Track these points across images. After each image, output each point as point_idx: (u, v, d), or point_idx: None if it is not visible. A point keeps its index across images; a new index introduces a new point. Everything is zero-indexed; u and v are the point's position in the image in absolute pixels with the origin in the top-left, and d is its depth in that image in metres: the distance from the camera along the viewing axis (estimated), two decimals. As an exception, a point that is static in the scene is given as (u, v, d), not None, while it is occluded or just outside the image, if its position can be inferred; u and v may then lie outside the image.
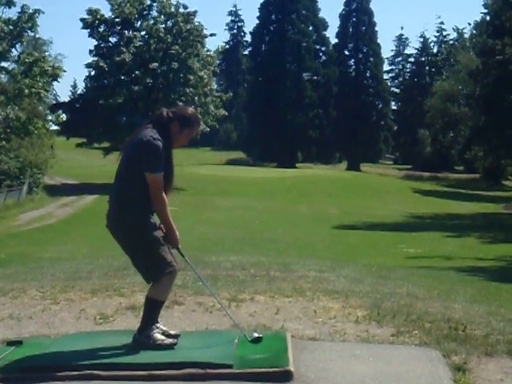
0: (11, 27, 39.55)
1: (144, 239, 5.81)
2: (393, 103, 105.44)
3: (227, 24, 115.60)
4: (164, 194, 5.87)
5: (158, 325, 5.85)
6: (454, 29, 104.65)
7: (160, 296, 5.87)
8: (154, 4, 59.04)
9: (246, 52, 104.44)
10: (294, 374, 5.11)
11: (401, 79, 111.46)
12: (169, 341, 5.76)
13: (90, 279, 9.99)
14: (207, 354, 5.41)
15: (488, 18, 65.66)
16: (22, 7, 39.99)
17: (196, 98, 56.91)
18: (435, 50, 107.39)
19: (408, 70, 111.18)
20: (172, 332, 5.94)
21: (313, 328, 6.69)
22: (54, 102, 71.86)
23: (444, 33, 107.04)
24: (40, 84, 40.16)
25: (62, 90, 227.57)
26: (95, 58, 58.26)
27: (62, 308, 7.78)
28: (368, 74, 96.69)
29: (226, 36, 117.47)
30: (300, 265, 12.25)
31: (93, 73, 59.34)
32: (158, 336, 5.76)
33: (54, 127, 57.58)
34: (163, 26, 58.90)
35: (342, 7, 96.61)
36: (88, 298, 8.33)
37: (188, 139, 6.06)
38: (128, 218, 5.79)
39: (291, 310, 7.59)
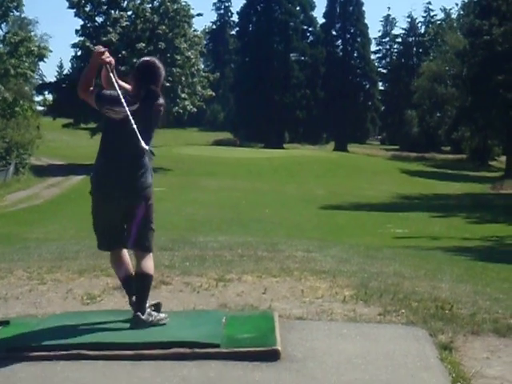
0: (-4, 7, 39.32)
1: (152, 205, 5.95)
2: (380, 84, 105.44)
3: (214, 4, 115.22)
4: None
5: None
6: (441, 9, 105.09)
7: (153, 269, 5.93)
8: (141, -16, 58.75)
9: (233, 32, 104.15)
10: (281, 353, 5.11)
11: (388, 60, 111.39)
12: (163, 316, 5.80)
13: (77, 259, 9.96)
14: (195, 333, 5.41)
15: (475, -2, 65.64)
16: (7, -13, 39.70)
17: (183, 78, 56.73)
18: (422, 31, 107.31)
19: (395, 50, 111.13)
20: (153, 302, 5.96)
21: (300, 307, 6.70)
22: (41, 83, 71.56)
23: (431, 13, 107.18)
24: (26, 64, 39.87)
25: (48, 70, 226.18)
26: (81, 38, 57.95)
27: (49, 288, 7.76)
28: (355, 55, 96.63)
29: (213, 16, 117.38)
30: (287, 245, 12.26)
31: (79, 53, 59.06)
32: (155, 313, 5.77)
33: (40, 108, 57.35)
34: (150, 5, 58.63)
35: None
36: (75, 278, 8.32)
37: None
38: (146, 183, 5.83)
39: (278, 289, 7.60)
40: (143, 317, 5.65)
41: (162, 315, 5.79)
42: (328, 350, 5.32)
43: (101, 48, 5.92)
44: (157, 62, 6.03)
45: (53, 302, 7.11)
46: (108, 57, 5.87)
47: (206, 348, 5.14)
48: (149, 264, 5.86)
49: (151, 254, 5.93)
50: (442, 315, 6.45)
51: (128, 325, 5.67)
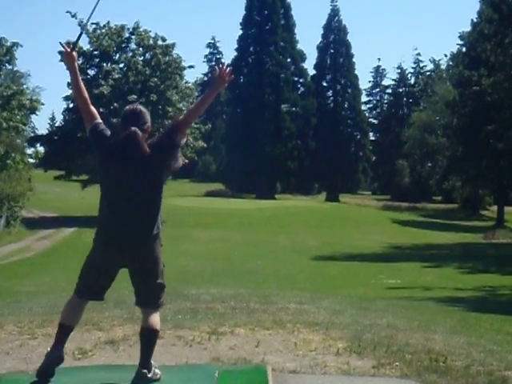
0: (-11, 61, 39.58)
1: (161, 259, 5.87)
2: (371, 134, 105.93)
3: (206, 56, 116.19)
4: None
5: None
6: (430, 60, 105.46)
7: (159, 324, 5.89)
8: (133, 36, 59.09)
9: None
10: (274, 408, 5.07)
11: (379, 110, 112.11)
12: (158, 372, 5.75)
13: (69, 313, 9.87)
14: (187, 388, 5.36)
15: (464, 49, 66.43)
16: (0, 40, 39.93)
17: (108, 133, 56.72)
18: (412, 81, 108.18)
19: (386, 100, 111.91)
20: None
21: (293, 361, 6.66)
22: (32, 135, 71.69)
23: (421, 64, 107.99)
24: (18, 117, 40.00)
25: (41, 123, 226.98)
26: (73, 91, 58.23)
27: (40, 343, 7.68)
28: (346, 105, 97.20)
29: (205, 68, 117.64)
30: (280, 296, 12.22)
31: (71, 105, 59.23)
32: (157, 370, 5.72)
33: (32, 160, 57.35)
34: (142, 58, 58.95)
35: (320, 39, 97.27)
36: (66, 332, 8.23)
37: None
38: (159, 235, 5.76)
39: (272, 342, 7.56)
40: (149, 375, 5.58)
41: (158, 371, 5.72)
42: (322, 405, 5.28)
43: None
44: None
45: (43, 357, 7.02)
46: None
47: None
48: (156, 319, 5.82)
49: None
50: (436, 367, 6.42)
51: (119, 380, 5.60)
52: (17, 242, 41.15)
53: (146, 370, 5.56)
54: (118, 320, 8.97)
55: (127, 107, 6.06)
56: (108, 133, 5.84)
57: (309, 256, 34.96)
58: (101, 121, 6.02)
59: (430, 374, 6.19)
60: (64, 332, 5.88)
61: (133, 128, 5.65)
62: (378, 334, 8.14)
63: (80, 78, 6.24)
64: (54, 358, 5.66)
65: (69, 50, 6.04)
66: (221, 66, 6.04)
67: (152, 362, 5.71)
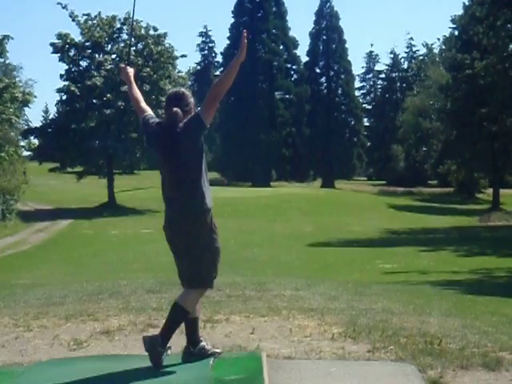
0: (-20, 54, 39.48)
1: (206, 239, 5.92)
2: (365, 120, 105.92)
3: (198, 45, 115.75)
4: None
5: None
6: (423, 44, 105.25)
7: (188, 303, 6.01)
8: (124, 27, 58.96)
9: (218, 73, 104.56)
10: (269, 394, 5.07)
11: (372, 95, 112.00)
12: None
13: (64, 305, 9.89)
14: (183, 376, 5.37)
15: (456, 32, 66.30)
16: (-9, 34, 39.88)
17: (157, 120, 56.76)
18: (405, 66, 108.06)
19: (379, 86, 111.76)
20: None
21: (288, 347, 6.66)
22: (26, 128, 71.59)
23: (414, 48, 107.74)
24: (11, 110, 39.92)
25: (34, 115, 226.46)
26: (66, 83, 58.04)
27: (36, 335, 7.69)
28: (340, 92, 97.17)
29: (198, 57, 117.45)
30: (275, 283, 12.22)
31: (64, 97, 59.11)
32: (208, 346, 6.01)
33: (27, 153, 57.35)
34: (133, 48, 58.81)
35: (312, 25, 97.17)
36: (62, 323, 8.24)
37: None
38: (200, 215, 5.83)
39: (267, 329, 7.56)
40: (167, 352, 5.75)
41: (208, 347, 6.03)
42: (316, 390, 5.30)
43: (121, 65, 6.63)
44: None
45: (39, 349, 7.04)
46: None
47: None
48: (185, 296, 5.97)
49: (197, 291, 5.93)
50: (430, 350, 6.43)
51: (114, 369, 5.61)
52: (13, 235, 41.13)
53: (158, 340, 5.68)
54: (114, 310, 8.97)
55: (171, 91, 6.35)
56: (156, 120, 6.09)
57: (305, 243, 34.98)
58: (151, 114, 6.24)
59: (425, 356, 6.20)
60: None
61: (174, 109, 5.82)
62: (373, 318, 8.15)
63: (136, 87, 6.61)
64: None
65: (123, 66, 6.55)
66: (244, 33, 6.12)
67: (203, 341, 5.95)
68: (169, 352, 5.69)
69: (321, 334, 7.21)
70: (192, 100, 6.02)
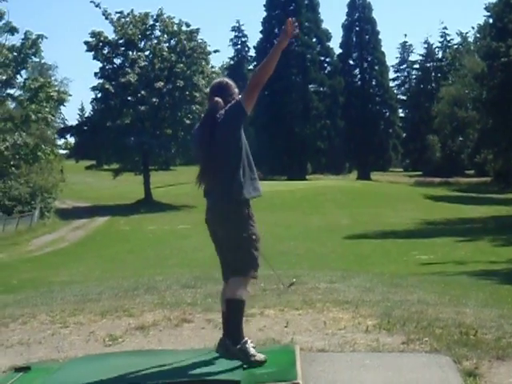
0: (15, 54, 39.68)
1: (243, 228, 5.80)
2: (400, 110, 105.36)
3: (231, 40, 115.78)
4: None
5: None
6: (457, 33, 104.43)
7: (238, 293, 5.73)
8: (157, 24, 59.25)
9: (251, 67, 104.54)
10: (302, 387, 5.06)
11: (407, 86, 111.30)
12: (261, 356, 5.54)
13: (100, 301, 9.96)
14: (215, 370, 5.37)
15: (491, 20, 65.60)
16: (25, 33, 40.07)
17: (203, 115, 56.97)
18: (440, 56, 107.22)
19: (414, 76, 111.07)
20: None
21: (322, 340, 6.64)
22: (62, 126, 72.20)
23: (448, 38, 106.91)
24: (47, 109, 40.21)
25: (70, 114, 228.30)
26: (101, 81, 58.45)
27: (72, 331, 7.76)
28: (374, 83, 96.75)
29: (231, 52, 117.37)
30: (310, 276, 12.20)
31: (99, 95, 59.54)
32: (251, 350, 5.55)
33: (63, 151, 57.81)
34: (167, 44, 59.09)
35: (345, 17, 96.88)
36: (97, 320, 8.30)
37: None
38: (236, 203, 5.72)
39: (301, 322, 7.55)
40: (233, 349, 5.53)
41: (252, 351, 5.54)
42: (350, 382, 5.27)
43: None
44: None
45: (75, 345, 7.10)
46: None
47: (227, 385, 5.10)
48: (231, 288, 5.68)
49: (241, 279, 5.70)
50: (466, 341, 6.37)
51: (148, 365, 5.63)
52: (51, 233, 41.57)
53: (228, 342, 5.55)
54: (149, 306, 9.01)
55: (214, 81, 6.13)
56: None
57: (341, 235, 34.90)
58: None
59: (460, 347, 6.14)
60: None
61: (216, 98, 5.74)
62: (408, 309, 8.09)
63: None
64: None
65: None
66: (288, 20, 5.92)
67: (247, 340, 5.61)
68: (250, 343, 5.61)
69: (355, 327, 7.18)
70: (236, 90, 5.88)
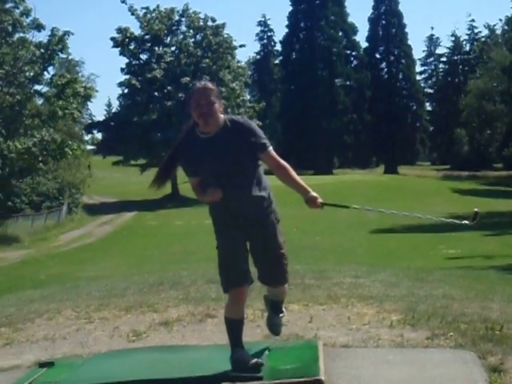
0: (42, 50, 39.93)
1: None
2: (427, 104, 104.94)
3: (257, 34, 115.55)
4: (195, 192, 5.61)
5: None
6: (485, 26, 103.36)
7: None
8: (183, 19, 59.43)
9: (277, 61, 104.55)
10: (324, 382, 5.03)
11: (434, 79, 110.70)
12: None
13: (125, 296, 9.98)
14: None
15: (519, 12, 65.14)
16: (52, 30, 40.32)
17: (229, 109, 57.10)
18: (467, 49, 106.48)
19: (441, 69, 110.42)
20: None
21: (346, 335, 6.61)
22: (90, 122, 72.60)
23: (475, 30, 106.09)
24: (73, 105, 40.45)
25: (98, 109, 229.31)
26: (127, 76, 58.71)
27: (96, 327, 7.79)
28: (400, 77, 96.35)
29: (257, 46, 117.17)
30: (336, 271, 12.15)
31: (126, 91, 59.80)
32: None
33: (90, 147, 58.11)
34: (193, 40, 59.24)
35: (371, 11, 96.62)
36: (122, 315, 8.32)
37: (198, 118, 5.32)
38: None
39: (325, 317, 7.52)
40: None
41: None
42: (373, 378, 5.24)
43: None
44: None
45: (99, 340, 7.13)
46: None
47: (249, 381, 5.09)
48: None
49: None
50: (491, 336, 6.31)
51: (172, 360, 5.64)
52: (79, 229, 41.84)
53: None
54: (173, 301, 9.02)
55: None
56: None
57: (368, 229, 34.79)
58: None
59: (485, 343, 6.09)
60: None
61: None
62: (433, 304, 8.03)
63: None
64: None
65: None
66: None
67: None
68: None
69: (379, 322, 7.15)
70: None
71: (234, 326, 5.46)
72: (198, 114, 5.31)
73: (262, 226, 5.42)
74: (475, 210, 5.46)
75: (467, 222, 5.48)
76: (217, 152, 5.25)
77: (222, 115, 5.39)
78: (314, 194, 5.56)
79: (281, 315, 5.98)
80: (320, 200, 5.61)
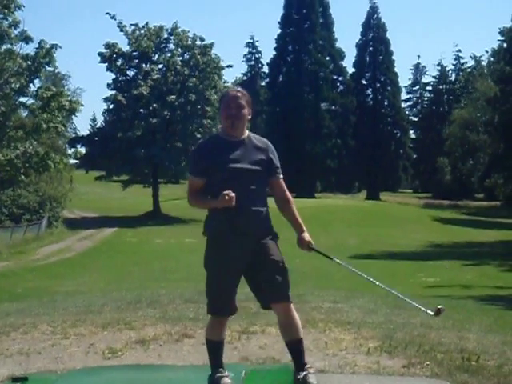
0: (29, 63, 39.84)
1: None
2: (411, 132, 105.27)
3: (245, 55, 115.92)
4: (193, 196, 5.36)
5: None
6: (471, 56, 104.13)
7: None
8: (171, 37, 59.45)
9: (264, 83, 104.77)
10: (300, 407, 5.02)
11: (419, 107, 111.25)
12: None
13: (102, 313, 9.94)
14: (213, 388, 5.33)
15: (505, 45, 65.58)
16: (40, 43, 40.23)
17: (214, 129, 57.09)
18: (453, 78, 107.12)
19: (426, 98, 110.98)
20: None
21: (323, 360, 6.60)
22: (74, 136, 72.39)
23: (461, 60, 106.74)
24: (58, 119, 40.33)
25: (82, 124, 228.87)
26: (113, 92, 58.65)
27: (72, 343, 7.74)
28: (386, 103, 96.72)
29: (244, 67, 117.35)
30: (314, 295, 12.17)
31: (111, 106, 59.71)
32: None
33: (73, 161, 57.96)
34: (180, 58, 59.27)
35: (359, 37, 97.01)
36: (98, 332, 8.28)
37: (226, 119, 5.30)
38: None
39: (302, 341, 7.50)
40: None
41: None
42: (348, 405, 5.23)
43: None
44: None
45: (74, 356, 7.07)
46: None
47: (224, 403, 5.06)
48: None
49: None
50: (467, 367, 6.31)
51: (147, 379, 5.60)
52: (58, 242, 41.59)
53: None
54: (151, 320, 8.99)
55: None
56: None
57: (348, 254, 34.73)
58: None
59: (461, 373, 6.09)
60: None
61: None
62: (411, 333, 8.05)
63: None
64: None
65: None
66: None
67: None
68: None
69: (356, 348, 7.14)
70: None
71: (215, 347, 5.44)
72: (227, 115, 5.32)
73: (267, 239, 5.41)
74: (439, 307, 5.51)
75: (431, 312, 5.52)
76: (240, 156, 5.25)
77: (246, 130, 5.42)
78: (307, 235, 5.63)
79: (309, 367, 5.38)
80: (312, 245, 5.66)
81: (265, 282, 5.38)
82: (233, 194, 5.04)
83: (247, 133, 5.42)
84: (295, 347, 5.47)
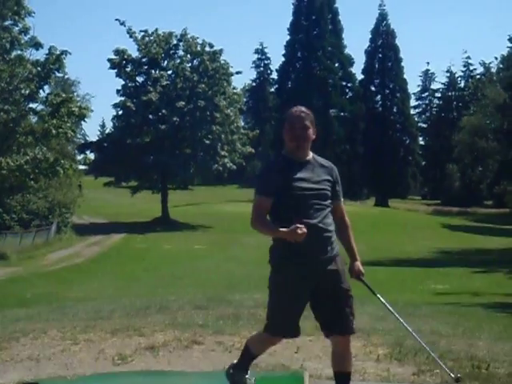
0: (39, 69, 39.90)
1: None
2: (420, 138, 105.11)
3: (254, 62, 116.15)
4: (259, 219, 5.24)
5: None
6: (480, 63, 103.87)
7: None
8: (181, 43, 59.49)
9: (273, 89, 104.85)
10: (309, 414, 5.02)
11: (428, 114, 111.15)
12: None
13: (111, 319, 9.95)
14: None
15: (514, 51, 65.55)
16: (50, 49, 40.27)
17: (223, 135, 57.14)
18: (462, 85, 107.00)
19: (435, 105, 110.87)
20: None
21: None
22: (83, 142, 72.53)
23: (471, 67, 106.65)
24: (68, 124, 40.38)
25: (92, 129, 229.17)
26: (122, 98, 58.72)
27: (82, 348, 7.74)
28: (395, 110, 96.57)
29: (253, 74, 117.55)
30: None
31: (120, 112, 59.77)
32: None
33: (83, 167, 58.01)
34: (189, 64, 59.30)
35: (368, 43, 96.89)
36: (108, 338, 8.28)
37: (291, 138, 5.44)
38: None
39: (311, 348, 7.50)
40: None
41: None
42: (358, 412, 5.23)
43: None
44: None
45: (84, 362, 7.08)
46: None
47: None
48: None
49: None
50: (477, 375, 6.30)
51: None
52: (67, 248, 41.64)
53: None
54: (160, 326, 8.99)
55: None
56: None
57: (357, 261, 34.71)
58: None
59: (471, 381, 6.09)
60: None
61: None
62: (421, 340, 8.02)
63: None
64: None
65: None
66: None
67: None
68: None
69: (366, 355, 7.13)
70: None
71: (251, 358, 5.50)
72: (292, 136, 5.39)
73: (335, 264, 5.29)
74: (459, 375, 5.46)
75: (453, 375, 5.46)
76: (310, 176, 5.27)
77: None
78: (360, 265, 5.54)
79: None
80: (362, 276, 5.58)
81: (332, 312, 5.29)
82: (305, 230, 4.87)
83: (311, 154, 5.47)
84: (343, 379, 5.32)
